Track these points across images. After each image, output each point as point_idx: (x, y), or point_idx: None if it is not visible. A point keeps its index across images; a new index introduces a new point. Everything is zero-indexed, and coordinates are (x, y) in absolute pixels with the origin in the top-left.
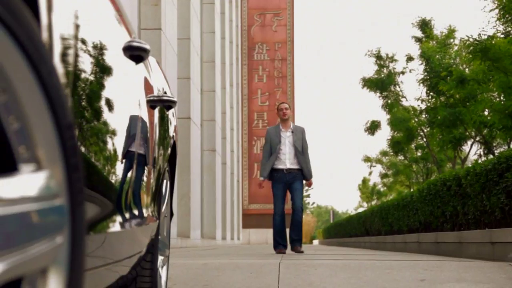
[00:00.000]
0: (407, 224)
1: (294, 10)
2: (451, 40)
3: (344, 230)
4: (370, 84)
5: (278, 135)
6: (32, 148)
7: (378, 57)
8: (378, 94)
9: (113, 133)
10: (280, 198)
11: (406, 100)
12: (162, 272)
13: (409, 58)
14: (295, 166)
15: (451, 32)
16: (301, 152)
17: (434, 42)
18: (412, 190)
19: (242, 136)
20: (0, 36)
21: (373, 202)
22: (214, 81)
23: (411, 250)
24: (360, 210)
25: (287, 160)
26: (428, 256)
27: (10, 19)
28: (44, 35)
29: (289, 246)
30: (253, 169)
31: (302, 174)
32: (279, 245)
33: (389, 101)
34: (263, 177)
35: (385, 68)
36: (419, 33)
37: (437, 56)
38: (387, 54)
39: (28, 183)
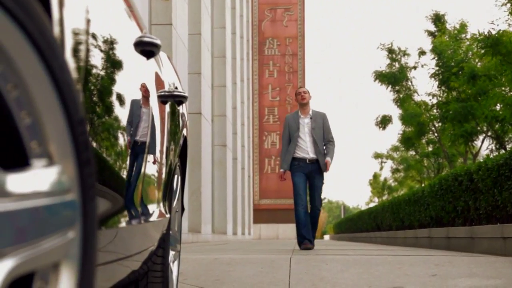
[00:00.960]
0: (418, 219)
1: (305, 5)
2: (463, 35)
3: (355, 225)
4: (382, 78)
5: (296, 122)
6: (44, 143)
7: (391, 50)
8: (389, 88)
9: (124, 128)
10: (302, 188)
11: (418, 95)
12: (173, 267)
13: (421, 52)
14: (316, 156)
15: (463, 26)
16: (320, 140)
17: (446, 36)
18: (423, 185)
19: (253, 131)
20: (12, 32)
21: (384, 197)
22: (225, 76)
23: (422, 245)
24: (371, 205)
25: (308, 149)
26: (439, 251)
27: (21, 14)
28: (56, 30)
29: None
30: (264, 164)
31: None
32: (304, 239)
33: (401, 95)
34: (284, 169)
35: (397, 62)
36: (432, 27)
37: (449, 51)
38: (399, 48)
39: (40, 178)
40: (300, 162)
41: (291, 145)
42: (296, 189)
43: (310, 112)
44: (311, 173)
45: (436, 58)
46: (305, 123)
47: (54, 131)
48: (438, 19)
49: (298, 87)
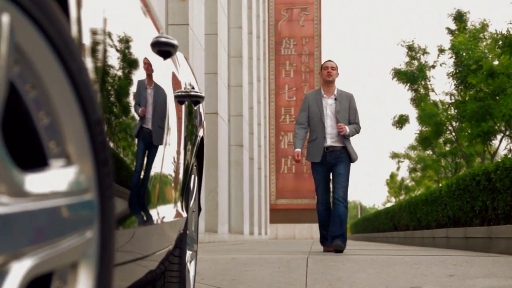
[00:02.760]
0: (436, 219)
1: (322, 4)
2: (483, 34)
3: (372, 225)
4: (401, 75)
5: (319, 102)
6: (62, 143)
7: (411, 48)
8: (407, 87)
9: (141, 128)
10: (322, 182)
11: (436, 94)
12: (191, 267)
13: (441, 50)
14: (338, 144)
15: (484, 26)
16: (345, 124)
17: (466, 35)
18: (440, 185)
19: (269, 131)
20: (30, 32)
21: (401, 197)
22: (241, 76)
23: (440, 245)
24: (388, 205)
25: (328, 135)
26: (457, 251)
27: (39, 14)
28: (73, 30)
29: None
30: (280, 164)
31: (348, 154)
32: (326, 240)
33: (419, 94)
34: (299, 149)
35: (416, 61)
36: (453, 25)
37: (467, 50)
38: (419, 46)
39: (58, 178)
40: (318, 150)
41: (311, 132)
42: (315, 186)
43: (335, 92)
44: (330, 163)
45: (454, 57)
46: (328, 104)
47: (72, 131)
48: (460, 17)
49: (326, 60)
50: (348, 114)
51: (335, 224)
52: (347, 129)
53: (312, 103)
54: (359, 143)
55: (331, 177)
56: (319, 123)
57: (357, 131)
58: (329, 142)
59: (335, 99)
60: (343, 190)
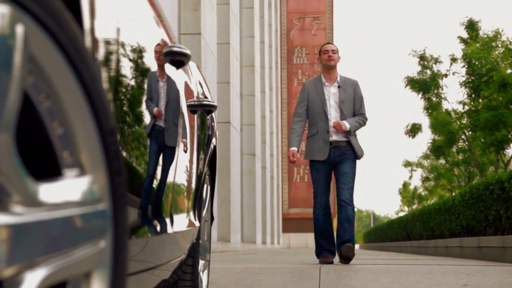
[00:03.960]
0: (449, 229)
1: (334, 13)
2: (495, 43)
3: (385, 235)
4: (414, 84)
5: (320, 91)
6: (76, 153)
7: (422, 57)
8: (420, 96)
9: (154, 138)
10: (322, 183)
11: (449, 103)
12: (203, 276)
13: (453, 59)
14: (343, 138)
15: (496, 34)
16: (350, 117)
17: (478, 44)
18: (454, 194)
19: (281, 140)
20: (44, 42)
21: (414, 206)
22: (254, 85)
23: (453, 255)
24: (401, 214)
25: (332, 129)
26: (470, 260)
27: (53, 24)
28: (87, 40)
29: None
30: (293, 173)
31: (354, 151)
32: (323, 251)
33: (432, 103)
34: (295, 147)
35: (428, 70)
36: (465, 34)
37: (479, 59)
38: (431, 55)
39: (71, 188)
40: (320, 146)
41: (311, 125)
42: (315, 186)
43: (338, 79)
44: (334, 160)
45: (466, 66)
46: (331, 93)
47: (86, 141)
48: (472, 26)
49: (324, 43)
50: (354, 103)
51: (343, 228)
52: (347, 124)
53: (312, 92)
54: (372, 152)
55: (332, 176)
56: (320, 114)
57: (361, 124)
58: (334, 136)
59: (339, 86)
60: (350, 191)
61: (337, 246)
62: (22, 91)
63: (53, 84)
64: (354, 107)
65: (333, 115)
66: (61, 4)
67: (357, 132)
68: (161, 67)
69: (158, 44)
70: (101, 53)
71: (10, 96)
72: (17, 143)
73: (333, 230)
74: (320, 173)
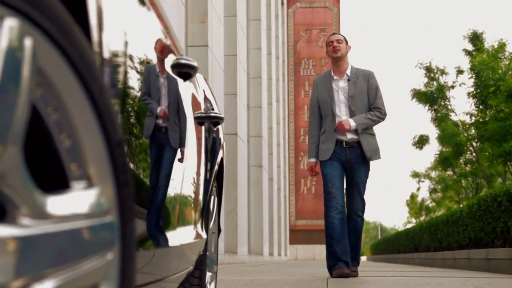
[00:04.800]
0: (457, 240)
1: (341, 25)
2: (502, 54)
3: (392, 246)
4: (420, 96)
5: (328, 86)
6: (84, 165)
7: (429, 69)
8: (427, 107)
9: (161, 149)
10: (337, 183)
11: (456, 115)
12: None
13: (459, 71)
14: (354, 136)
15: (501, 45)
16: (362, 112)
17: (485, 55)
18: (461, 205)
19: (288, 152)
20: (52, 55)
21: (422, 218)
22: (261, 97)
23: (461, 267)
24: (409, 226)
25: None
26: (478, 273)
27: (62, 38)
28: (95, 53)
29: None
30: (300, 185)
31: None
32: (338, 261)
33: (439, 114)
34: (314, 158)
35: (434, 81)
36: (469, 46)
37: (488, 70)
38: (437, 67)
39: (79, 200)
40: (334, 146)
41: (322, 124)
42: (328, 184)
43: (348, 71)
44: (349, 162)
45: (474, 77)
46: (340, 87)
47: (93, 153)
48: (476, 38)
49: (331, 34)
50: (367, 97)
51: (351, 242)
52: (351, 123)
53: (321, 87)
54: (379, 163)
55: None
56: (328, 111)
57: (373, 120)
58: (349, 135)
59: (348, 79)
60: (363, 201)
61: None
62: (30, 104)
63: (61, 97)
64: (369, 101)
65: (343, 111)
66: (70, 17)
67: (374, 128)
68: (168, 79)
69: (166, 56)
70: (109, 66)
71: (18, 108)
72: (25, 155)
73: (347, 238)
74: (334, 169)
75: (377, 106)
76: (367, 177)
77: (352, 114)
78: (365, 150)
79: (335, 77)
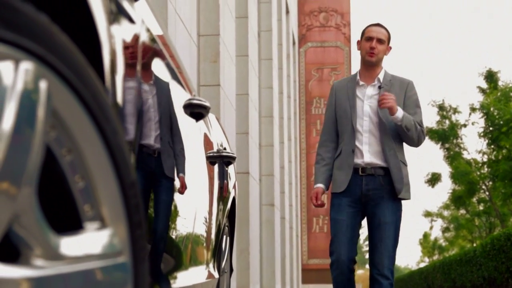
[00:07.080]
0: (471, 280)
1: (352, 64)
2: None
3: (405, 286)
4: (432, 134)
5: (351, 93)
6: (97, 206)
7: (441, 107)
8: (439, 145)
9: (174, 189)
10: (346, 228)
11: (468, 153)
12: None
13: (473, 109)
14: (380, 162)
15: None
16: (392, 131)
17: (498, 94)
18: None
19: (300, 191)
20: (67, 97)
21: (435, 257)
22: (272, 135)
23: None
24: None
25: (365, 146)
26: None
27: (76, 80)
28: (108, 94)
29: None
30: (312, 223)
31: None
32: None
33: (451, 152)
34: (320, 184)
35: (447, 120)
36: (484, 84)
37: (497, 110)
38: (450, 105)
39: (92, 241)
40: (347, 175)
41: (339, 143)
42: (332, 233)
43: (381, 76)
44: (367, 196)
45: (484, 117)
46: (367, 95)
47: (107, 194)
48: (491, 77)
49: (370, 24)
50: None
51: None
52: (400, 110)
53: (341, 95)
54: None
55: (361, 223)
56: (347, 126)
57: (417, 131)
58: (367, 157)
59: (379, 87)
60: (390, 256)
61: None
62: (44, 145)
63: (75, 138)
64: (403, 118)
65: (367, 127)
66: (84, 59)
67: (405, 158)
68: (180, 119)
69: (179, 96)
70: (122, 107)
71: (33, 149)
72: (39, 196)
73: None
74: (341, 212)
75: (412, 134)
76: (397, 218)
77: (377, 134)
78: (395, 180)
79: (362, 82)
